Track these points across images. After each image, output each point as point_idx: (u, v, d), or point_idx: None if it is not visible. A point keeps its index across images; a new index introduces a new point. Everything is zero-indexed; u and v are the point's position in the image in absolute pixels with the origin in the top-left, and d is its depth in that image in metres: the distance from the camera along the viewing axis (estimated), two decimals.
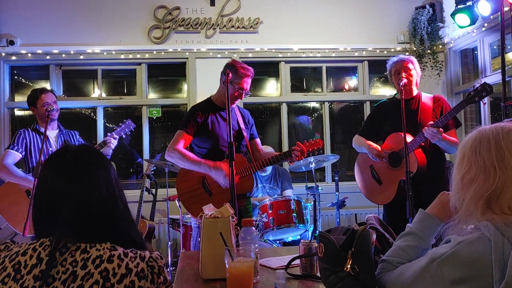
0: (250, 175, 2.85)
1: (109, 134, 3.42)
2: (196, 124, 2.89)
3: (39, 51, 4.93)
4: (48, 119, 3.21)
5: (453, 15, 4.48)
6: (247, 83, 2.87)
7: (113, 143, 3.38)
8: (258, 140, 3.14)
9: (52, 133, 3.42)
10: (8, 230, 3.45)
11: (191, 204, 2.87)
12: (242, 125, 3.00)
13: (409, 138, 2.91)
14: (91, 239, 1.13)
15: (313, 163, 3.91)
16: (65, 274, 1.06)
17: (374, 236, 1.44)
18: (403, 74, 3.01)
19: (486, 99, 2.84)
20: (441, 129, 2.79)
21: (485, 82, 2.78)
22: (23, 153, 3.33)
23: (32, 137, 3.37)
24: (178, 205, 3.99)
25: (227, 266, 1.39)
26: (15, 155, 3.30)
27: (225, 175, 2.73)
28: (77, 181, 1.15)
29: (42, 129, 3.34)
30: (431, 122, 2.83)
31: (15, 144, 3.32)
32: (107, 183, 1.19)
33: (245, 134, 2.99)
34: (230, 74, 2.74)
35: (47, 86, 5.08)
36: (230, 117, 2.45)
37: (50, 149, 3.34)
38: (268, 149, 4.38)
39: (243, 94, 2.88)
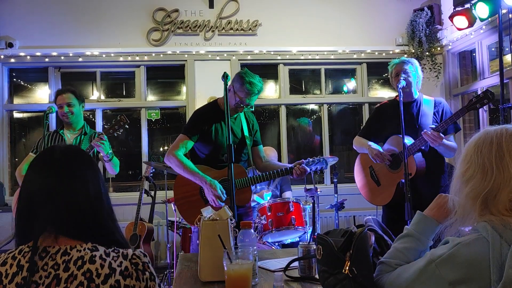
0: (248, 188, 2.83)
1: (98, 133, 3.26)
2: (199, 131, 2.84)
3: (38, 54, 4.93)
4: (48, 120, 3.17)
5: (451, 17, 4.50)
6: (251, 99, 2.81)
7: (101, 143, 3.10)
8: (260, 147, 3.09)
9: (71, 134, 3.35)
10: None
11: (185, 210, 2.85)
12: (247, 133, 2.95)
13: (409, 141, 2.92)
14: (72, 234, 1.12)
15: None
16: (48, 278, 1.05)
17: (373, 238, 1.45)
18: (402, 76, 3.02)
19: (486, 107, 2.85)
20: (441, 134, 2.80)
21: (487, 89, 2.79)
22: None
23: (51, 139, 3.32)
24: (174, 209, 3.99)
25: (225, 269, 1.39)
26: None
27: (215, 195, 2.69)
28: (61, 180, 1.15)
29: (63, 130, 3.32)
30: (432, 126, 2.84)
31: (35, 148, 3.33)
32: (92, 181, 1.19)
33: (248, 142, 2.95)
34: (231, 89, 2.76)
35: (45, 86, 5.08)
36: (228, 120, 2.44)
37: None
38: (271, 153, 4.38)
39: (244, 108, 2.83)
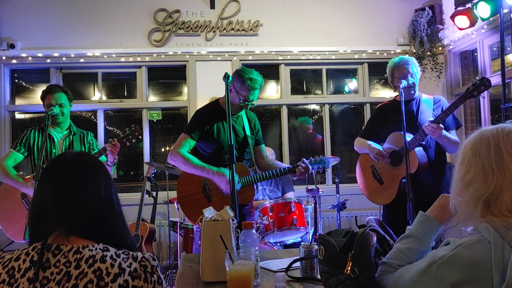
0: (251, 186, 2.83)
1: (110, 140, 3.16)
2: (201, 130, 2.86)
3: (40, 55, 4.94)
4: (51, 121, 3.10)
5: (452, 17, 4.49)
6: (254, 94, 2.81)
7: (113, 150, 3.05)
8: (262, 147, 3.11)
9: (59, 134, 3.27)
10: (4, 235, 3.36)
11: (189, 208, 2.86)
12: (249, 132, 2.96)
13: (408, 137, 2.92)
14: (83, 234, 1.15)
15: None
16: (59, 275, 1.08)
17: (375, 238, 1.45)
18: (408, 77, 3.01)
19: (485, 94, 2.85)
20: (441, 125, 2.80)
21: (483, 77, 2.80)
22: (25, 153, 3.21)
23: (37, 138, 3.22)
24: (176, 207, 3.99)
25: (227, 269, 1.40)
26: (17, 156, 3.20)
27: (227, 181, 2.68)
28: (71, 185, 1.19)
29: (50, 129, 3.21)
30: (431, 119, 2.84)
31: (18, 144, 3.21)
32: (103, 186, 1.23)
33: (250, 141, 2.96)
34: (233, 90, 2.76)
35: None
36: (230, 120, 2.45)
37: (54, 151, 3.19)
38: (269, 152, 4.39)
39: (249, 105, 2.83)
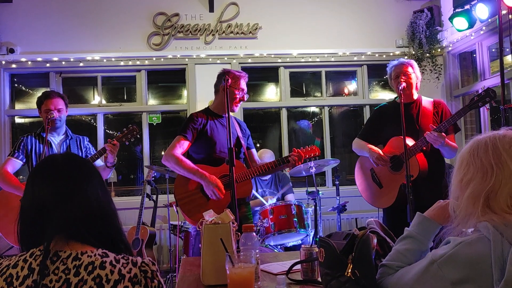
0: (248, 180, 2.85)
1: (109, 140, 3.21)
2: (195, 130, 2.89)
3: (39, 59, 4.95)
4: (49, 126, 3.11)
5: (451, 18, 4.50)
6: (244, 85, 2.95)
7: (113, 149, 3.10)
8: (254, 151, 3.16)
9: (56, 139, 3.28)
10: (5, 241, 3.34)
11: (189, 209, 2.86)
12: (240, 134, 3.01)
13: (410, 142, 2.92)
14: (83, 239, 1.13)
15: (314, 168, 3.91)
16: (59, 282, 1.06)
17: (375, 241, 1.45)
18: (402, 78, 3.02)
19: (488, 105, 2.85)
20: (443, 133, 2.80)
21: (488, 88, 2.79)
22: (24, 159, 3.22)
23: (34, 143, 3.24)
24: (175, 210, 3.99)
25: (228, 272, 1.40)
26: (16, 163, 3.20)
27: (213, 188, 2.71)
28: (73, 186, 1.17)
29: (45, 134, 3.19)
30: (433, 126, 2.84)
31: (16, 151, 3.22)
32: (99, 187, 1.22)
33: (243, 142, 3.01)
34: (230, 80, 2.78)
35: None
36: (229, 123, 2.45)
37: None
38: (267, 153, 4.40)
39: (244, 95, 2.94)
